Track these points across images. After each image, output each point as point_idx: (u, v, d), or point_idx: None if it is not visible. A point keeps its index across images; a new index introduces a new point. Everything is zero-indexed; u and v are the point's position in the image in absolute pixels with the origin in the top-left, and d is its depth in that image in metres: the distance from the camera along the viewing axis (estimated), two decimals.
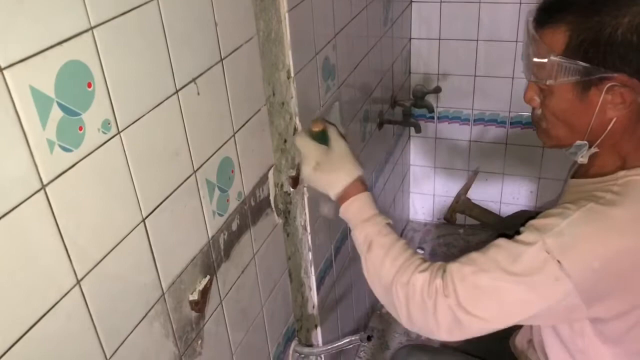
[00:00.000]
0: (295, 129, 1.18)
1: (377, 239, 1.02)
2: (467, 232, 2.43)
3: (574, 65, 0.88)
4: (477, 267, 0.92)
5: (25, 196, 0.56)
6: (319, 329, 1.46)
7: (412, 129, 2.11)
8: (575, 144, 0.98)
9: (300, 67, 1.14)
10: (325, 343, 1.42)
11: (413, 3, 2.05)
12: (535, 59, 0.93)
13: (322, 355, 1.45)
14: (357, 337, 1.10)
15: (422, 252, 2.34)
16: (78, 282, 0.64)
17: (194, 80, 0.80)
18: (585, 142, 0.97)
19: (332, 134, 1.11)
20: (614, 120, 0.91)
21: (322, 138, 1.10)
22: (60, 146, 0.59)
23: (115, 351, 0.71)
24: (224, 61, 0.87)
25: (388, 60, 1.85)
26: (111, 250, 0.68)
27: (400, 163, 2.22)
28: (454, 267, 0.94)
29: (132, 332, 0.74)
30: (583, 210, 0.89)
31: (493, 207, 2.37)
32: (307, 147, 1.10)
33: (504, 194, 2.33)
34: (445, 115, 2.23)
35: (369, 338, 1.08)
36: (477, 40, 2.04)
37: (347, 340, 1.13)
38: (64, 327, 0.63)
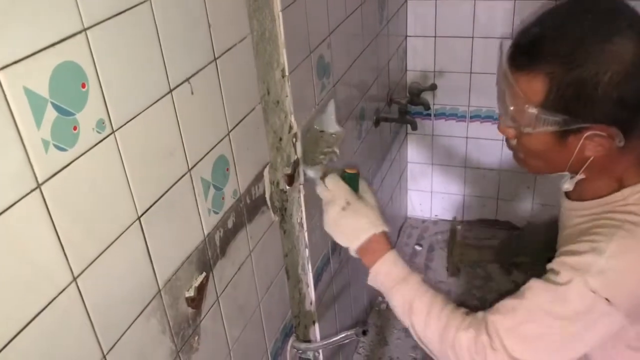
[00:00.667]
0: (290, 127, 1.20)
1: (416, 301, 1.00)
2: (464, 227, 2.44)
3: (554, 117, 0.88)
4: (522, 317, 0.91)
5: (20, 195, 0.57)
6: (317, 325, 1.47)
7: (409, 126, 2.12)
8: (556, 174, 0.98)
9: (295, 65, 1.15)
10: (322, 339, 1.43)
11: (408, 1, 2.06)
12: (511, 107, 0.92)
13: (320, 351, 1.47)
14: (352, 332, 1.11)
15: (420, 248, 2.35)
16: (74, 279, 0.65)
17: (187, 79, 0.81)
18: (566, 173, 0.97)
19: (363, 184, 1.11)
20: (591, 158, 0.91)
21: (352, 184, 1.09)
22: (55, 146, 0.60)
23: (112, 347, 0.72)
24: (217, 60, 0.88)
25: (384, 58, 1.86)
26: (107, 248, 0.70)
27: (398, 160, 2.23)
28: (496, 320, 0.93)
29: (128, 328, 0.75)
30: (615, 240, 0.88)
31: (490, 203, 2.39)
32: (338, 187, 1.08)
33: (501, 191, 2.34)
34: (441, 113, 2.24)
35: (364, 332, 1.09)
36: (472, 38, 2.05)
37: (343, 335, 1.15)
38: (61, 323, 0.64)
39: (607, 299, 0.87)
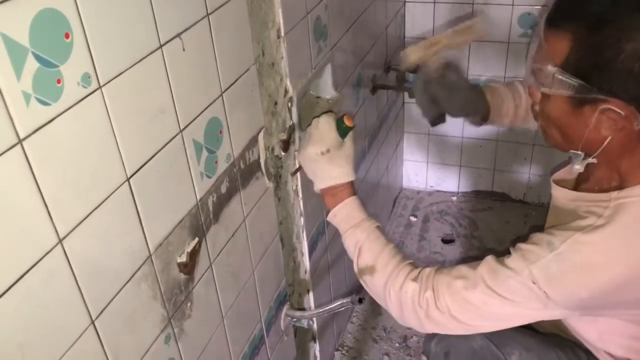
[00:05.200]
0: (286, 91, 1.16)
1: (367, 244, 1.06)
2: (459, 199, 2.42)
3: (570, 80, 0.84)
4: (468, 283, 0.95)
5: (0, 150, 0.53)
6: (311, 293, 1.46)
7: (406, 95, 2.08)
8: (571, 152, 0.95)
9: (291, 26, 1.10)
10: (317, 307, 1.42)
11: None
12: (534, 64, 0.90)
13: (314, 319, 1.46)
14: (348, 300, 1.10)
15: (414, 219, 2.34)
16: (60, 241, 0.62)
17: (178, 35, 0.77)
18: (581, 153, 0.94)
19: (351, 134, 1.14)
20: (609, 138, 0.88)
21: (342, 131, 1.11)
22: (37, 99, 0.56)
23: (102, 312, 0.70)
24: (210, 16, 0.84)
25: (382, 23, 1.81)
26: (94, 210, 0.67)
27: (394, 130, 2.20)
28: (444, 281, 0.98)
29: (118, 293, 0.73)
30: (568, 243, 0.88)
31: (486, 174, 2.37)
32: (329, 132, 1.09)
33: (498, 162, 2.32)
34: None
35: (360, 300, 1.08)
36: (472, 4, 2.00)
37: (339, 303, 1.13)
38: (47, 286, 0.61)
39: (545, 292, 0.89)
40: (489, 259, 0.96)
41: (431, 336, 1.25)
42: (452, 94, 1.30)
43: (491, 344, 1.16)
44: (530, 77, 0.93)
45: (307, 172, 1.14)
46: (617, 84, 0.81)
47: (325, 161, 1.08)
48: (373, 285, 1.06)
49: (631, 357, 1.03)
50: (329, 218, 1.12)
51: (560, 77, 0.85)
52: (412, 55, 1.35)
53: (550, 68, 0.86)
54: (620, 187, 0.91)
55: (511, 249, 0.95)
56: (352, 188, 1.11)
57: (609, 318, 1.00)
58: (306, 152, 1.10)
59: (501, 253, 0.98)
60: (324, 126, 1.09)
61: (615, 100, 0.82)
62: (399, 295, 1.01)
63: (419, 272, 1.01)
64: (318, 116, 1.12)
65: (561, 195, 1.02)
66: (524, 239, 0.96)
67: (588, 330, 1.07)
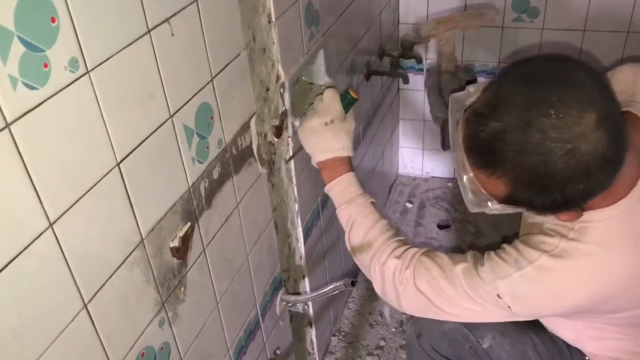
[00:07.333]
0: (277, 77, 1.16)
1: (359, 219, 1.08)
2: (455, 185, 2.43)
3: (514, 207, 0.88)
4: (445, 275, 0.98)
5: None
6: (306, 279, 1.47)
7: (401, 81, 2.08)
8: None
9: (282, 11, 1.10)
10: (311, 291, 1.42)
11: None
12: (470, 193, 0.90)
13: (310, 304, 1.47)
14: (341, 283, 1.11)
15: (410, 206, 2.35)
16: (50, 225, 0.62)
17: (167, 20, 0.77)
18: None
19: (352, 111, 1.16)
20: None
21: (346, 105, 1.14)
22: (24, 83, 0.56)
23: (94, 295, 0.71)
24: (199, 1, 0.83)
25: (375, 9, 1.80)
26: (85, 194, 0.67)
27: (389, 116, 2.20)
28: (425, 263, 1.00)
29: (110, 277, 0.73)
30: (534, 265, 0.90)
31: None
32: (332, 104, 1.12)
33: None
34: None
35: (353, 283, 1.09)
36: None
37: (332, 286, 1.14)
38: (39, 270, 0.62)
39: (509, 307, 0.94)
40: (469, 259, 0.98)
41: None
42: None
43: (464, 327, 1.18)
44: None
45: (307, 146, 1.14)
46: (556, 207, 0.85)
47: (329, 132, 1.10)
48: (362, 259, 1.09)
49: (609, 354, 1.04)
50: (325, 190, 1.14)
51: (504, 205, 0.88)
52: (427, 27, 1.50)
53: (493, 202, 0.89)
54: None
55: (485, 256, 0.97)
56: (351, 164, 1.13)
57: (581, 321, 1.02)
58: (309, 124, 1.11)
59: (497, 241, 0.99)
60: (329, 98, 1.12)
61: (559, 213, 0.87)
62: (382, 270, 1.04)
63: (404, 251, 1.03)
64: (321, 93, 1.14)
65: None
66: (495, 246, 0.99)
67: (562, 329, 1.10)
